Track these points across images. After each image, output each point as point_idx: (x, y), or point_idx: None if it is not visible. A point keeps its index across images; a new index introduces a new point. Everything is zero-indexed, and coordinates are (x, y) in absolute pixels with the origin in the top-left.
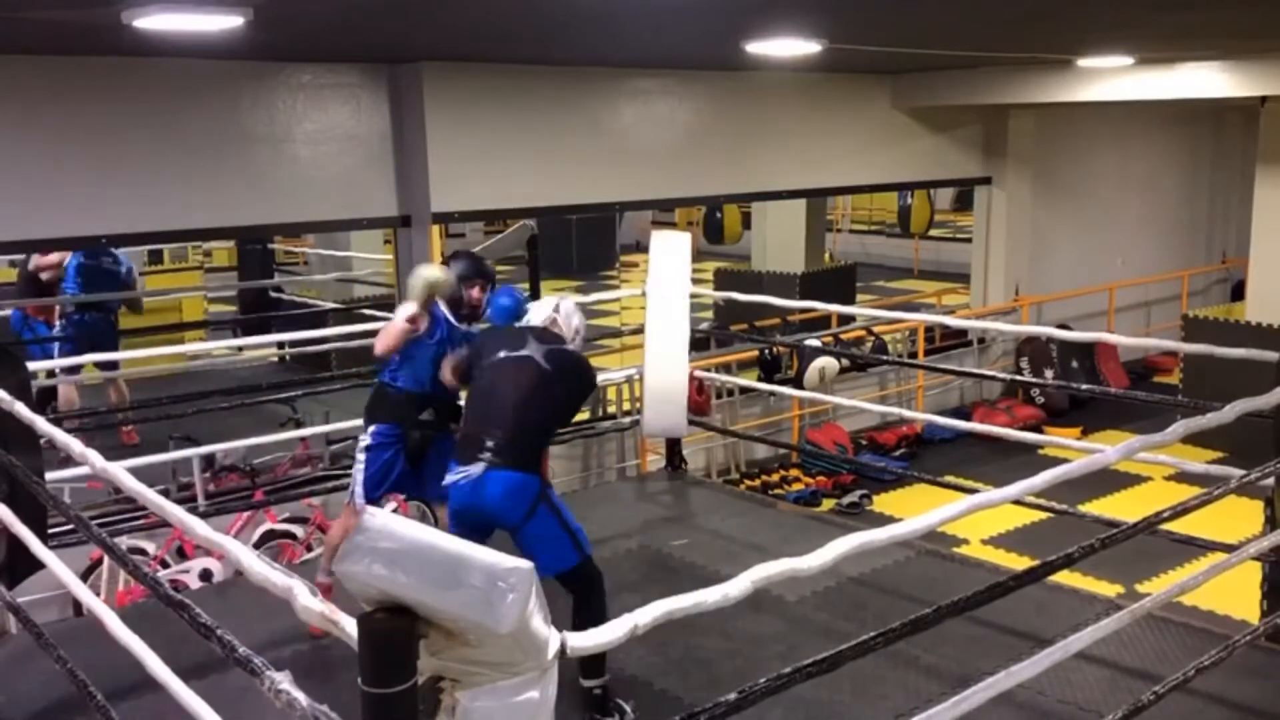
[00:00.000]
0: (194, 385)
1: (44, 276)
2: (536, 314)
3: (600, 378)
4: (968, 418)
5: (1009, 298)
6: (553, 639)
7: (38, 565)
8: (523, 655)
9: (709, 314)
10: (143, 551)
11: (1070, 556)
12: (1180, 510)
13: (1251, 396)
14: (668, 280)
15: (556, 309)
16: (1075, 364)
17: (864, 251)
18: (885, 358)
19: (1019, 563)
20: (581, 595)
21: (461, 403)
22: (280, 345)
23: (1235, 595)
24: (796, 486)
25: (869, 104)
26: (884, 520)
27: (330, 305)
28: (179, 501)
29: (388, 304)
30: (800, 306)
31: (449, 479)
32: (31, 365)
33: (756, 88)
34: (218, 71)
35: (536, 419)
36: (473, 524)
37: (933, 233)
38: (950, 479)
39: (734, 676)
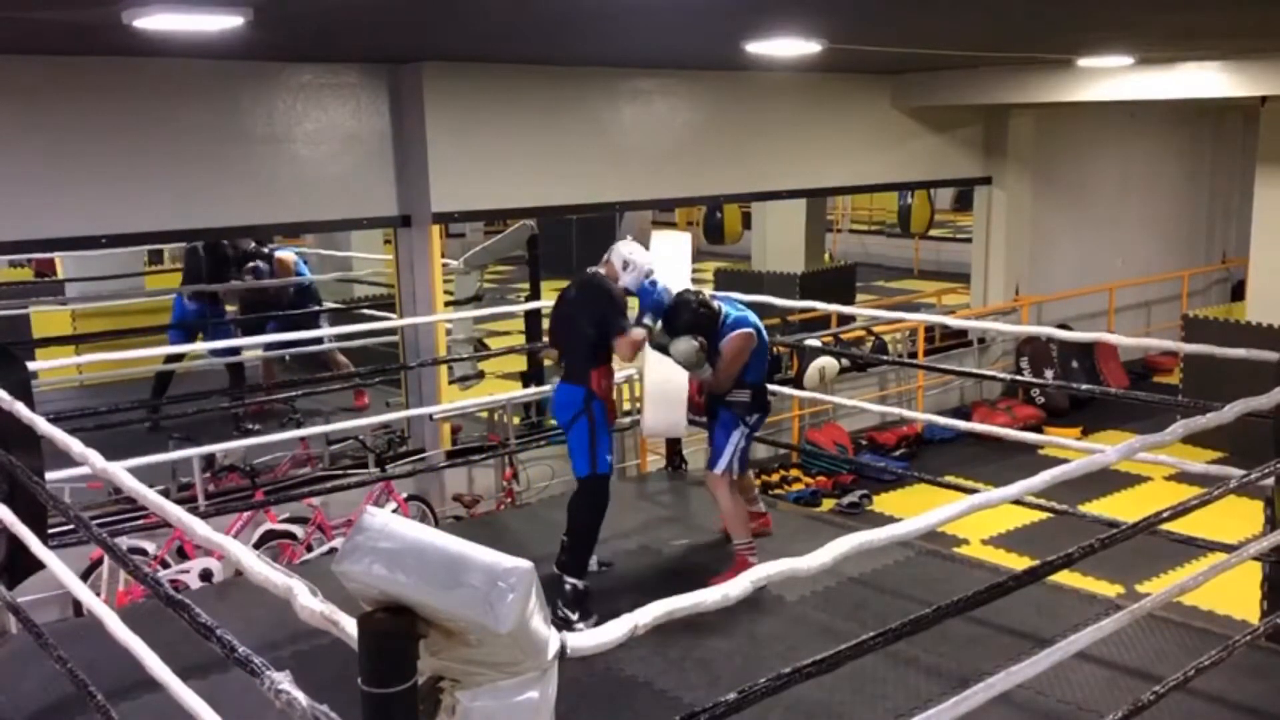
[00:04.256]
0: (194, 385)
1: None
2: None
3: None
4: (968, 418)
5: (1009, 298)
6: (553, 639)
7: (38, 565)
8: (523, 655)
9: None
10: (143, 551)
11: (1070, 556)
12: (1180, 510)
13: (1251, 396)
14: (668, 280)
15: (611, 252)
16: (1075, 364)
17: (864, 251)
18: (885, 358)
19: (1019, 563)
20: (580, 503)
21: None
22: (284, 345)
23: (1235, 595)
24: (796, 486)
25: (869, 104)
26: (884, 520)
27: (330, 305)
28: (179, 501)
29: (388, 304)
30: (800, 306)
31: None
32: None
33: (756, 88)
34: (218, 71)
35: (574, 341)
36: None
37: (933, 233)
38: (950, 479)
39: (734, 676)
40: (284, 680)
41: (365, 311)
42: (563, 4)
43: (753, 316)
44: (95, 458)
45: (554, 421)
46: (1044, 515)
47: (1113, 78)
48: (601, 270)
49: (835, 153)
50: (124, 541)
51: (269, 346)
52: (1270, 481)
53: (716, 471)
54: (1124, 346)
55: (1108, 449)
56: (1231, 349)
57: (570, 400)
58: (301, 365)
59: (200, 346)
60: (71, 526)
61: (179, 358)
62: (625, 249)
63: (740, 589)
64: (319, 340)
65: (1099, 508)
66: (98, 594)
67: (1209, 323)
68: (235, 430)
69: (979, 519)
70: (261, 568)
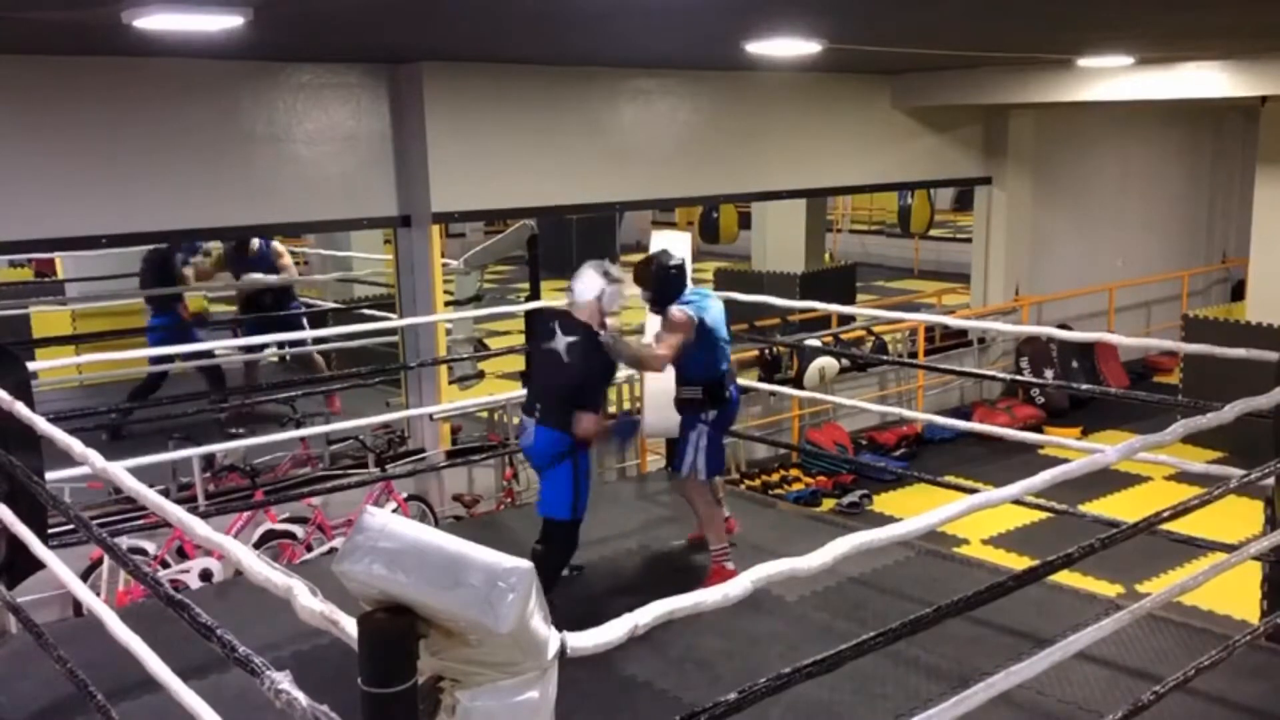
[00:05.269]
0: (194, 385)
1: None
2: (575, 292)
3: None
4: (968, 418)
5: (1009, 298)
6: (553, 639)
7: (38, 565)
8: (522, 655)
9: None
10: (143, 551)
11: (1070, 556)
12: (1180, 510)
13: (1251, 396)
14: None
15: (574, 291)
16: (1075, 364)
17: (864, 251)
18: (885, 358)
19: (1019, 563)
20: (546, 544)
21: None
22: (280, 345)
23: (1235, 595)
24: (796, 486)
25: (869, 104)
26: (884, 520)
27: (330, 305)
28: (179, 501)
29: (388, 304)
30: (800, 306)
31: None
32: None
33: (756, 88)
34: (218, 71)
35: (562, 395)
36: (531, 461)
37: (933, 233)
38: (950, 479)
39: (734, 676)
40: (284, 680)
41: (365, 311)
42: (562, 4)
43: (709, 307)
44: (95, 458)
45: None
46: (1044, 515)
47: (1113, 78)
48: (581, 313)
49: (835, 153)
50: (124, 541)
51: (248, 348)
52: (1270, 481)
53: (682, 473)
54: (1124, 346)
55: (1108, 449)
56: (1231, 349)
57: (551, 445)
58: (302, 365)
59: (185, 349)
60: (71, 526)
61: (168, 359)
62: (587, 294)
63: (740, 589)
64: (299, 342)
65: (1099, 508)
66: (98, 594)
67: (1209, 323)
68: (228, 430)
69: (979, 519)
70: (261, 568)
